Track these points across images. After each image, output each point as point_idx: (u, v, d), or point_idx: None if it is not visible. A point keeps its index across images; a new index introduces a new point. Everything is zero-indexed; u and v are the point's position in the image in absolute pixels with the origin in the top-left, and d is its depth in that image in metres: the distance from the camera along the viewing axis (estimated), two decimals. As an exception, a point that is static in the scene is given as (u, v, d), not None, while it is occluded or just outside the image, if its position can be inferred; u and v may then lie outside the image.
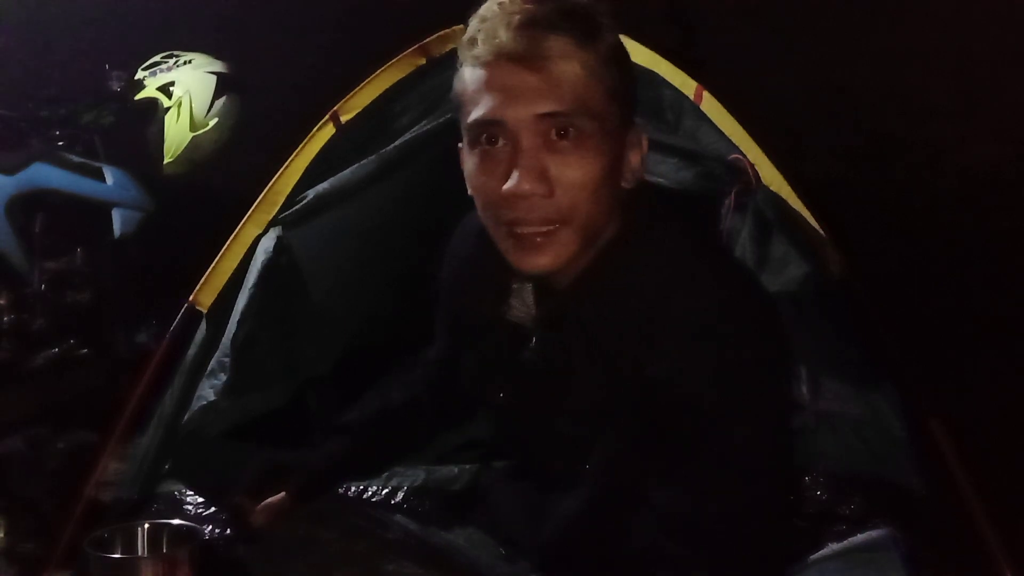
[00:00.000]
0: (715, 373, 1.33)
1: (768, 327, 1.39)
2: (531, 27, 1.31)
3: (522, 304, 1.52)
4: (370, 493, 2.11)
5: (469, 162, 1.40)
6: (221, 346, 2.30)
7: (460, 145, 1.44)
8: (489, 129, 1.35)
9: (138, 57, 3.46)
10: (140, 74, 3.41)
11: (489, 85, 1.34)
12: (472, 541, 1.65)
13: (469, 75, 1.37)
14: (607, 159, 1.36)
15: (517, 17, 1.32)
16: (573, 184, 1.33)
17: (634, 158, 1.41)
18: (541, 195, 1.33)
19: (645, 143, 1.43)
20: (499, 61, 1.32)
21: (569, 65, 1.32)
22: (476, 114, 1.35)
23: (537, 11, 1.32)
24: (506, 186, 1.33)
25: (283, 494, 1.63)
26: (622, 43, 1.41)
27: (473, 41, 1.35)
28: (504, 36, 1.31)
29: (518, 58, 1.31)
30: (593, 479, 1.45)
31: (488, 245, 1.45)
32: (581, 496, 1.46)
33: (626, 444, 1.40)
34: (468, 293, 1.60)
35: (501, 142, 1.35)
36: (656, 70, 2.37)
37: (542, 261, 1.37)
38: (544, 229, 1.35)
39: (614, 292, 1.40)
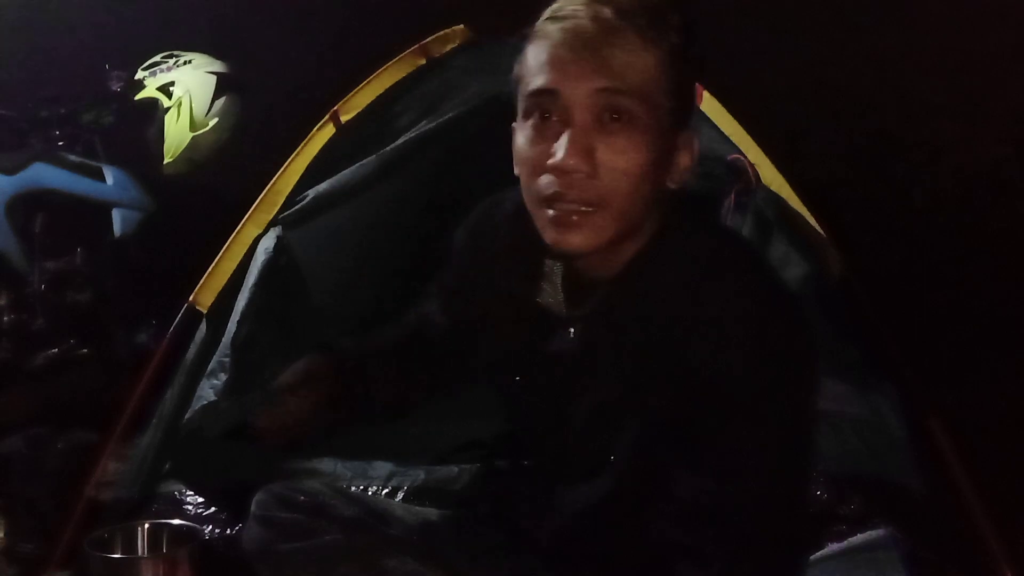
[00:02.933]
0: (753, 366, 1.35)
1: (800, 321, 1.42)
2: (606, 14, 1.35)
3: (552, 288, 1.51)
4: (371, 493, 2.12)
5: (520, 135, 1.41)
6: (221, 346, 2.31)
7: (513, 125, 1.45)
8: (544, 101, 1.37)
9: (138, 57, 3.46)
10: (140, 74, 3.41)
11: (552, 59, 1.36)
12: (475, 539, 1.65)
13: (533, 51, 1.39)
14: (655, 153, 1.37)
15: (594, 4, 1.36)
16: (617, 168, 1.35)
17: (683, 160, 1.43)
18: (584, 173, 1.34)
19: (696, 147, 1.45)
20: (567, 40, 1.35)
21: (633, 54, 1.35)
22: (534, 84, 1.37)
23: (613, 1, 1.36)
24: (552, 159, 1.35)
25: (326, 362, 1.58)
26: (693, 48, 1.43)
27: (551, 19, 1.38)
28: (578, 18, 1.35)
29: (586, 41, 1.34)
30: (614, 469, 1.45)
31: (521, 222, 1.46)
32: (598, 487, 1.46)
33: (650, 436, 1.41)
34: (493, 266, 1.58)
35: (554, 117, 1.36)
36: (656, 70, 2.37)
37: (575, 240, 1.38)
38: (582, 209, 1.36)
39: (658, 287, 1.42)
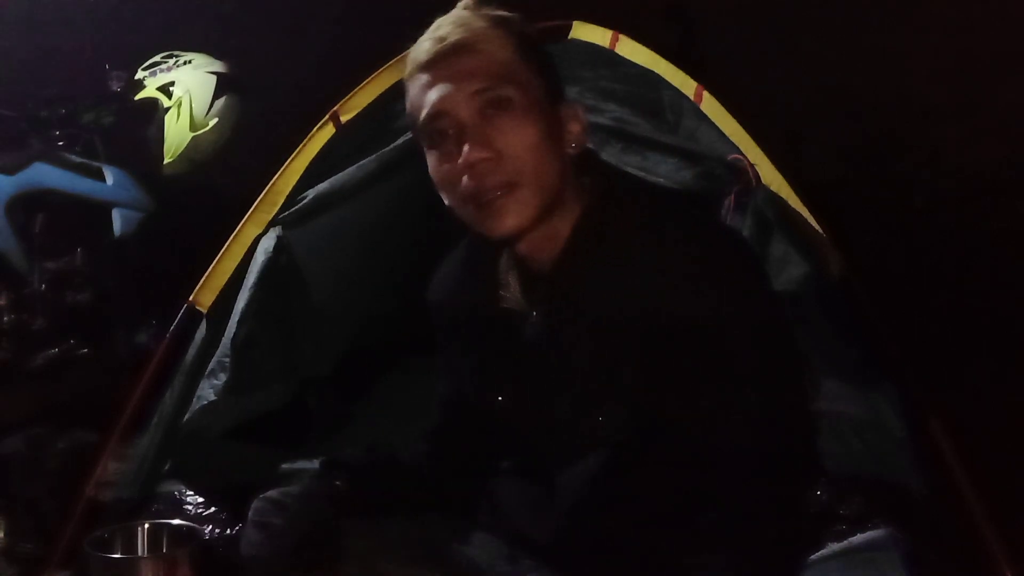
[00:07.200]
0: (716, 305, 1.45)
1: (750, 255, 1.59)
2: (457, 25, 1.51)
3: (511, 290, 1.62)
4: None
5: (430, 163, 1.55)
6: (221, 346, 2.31)
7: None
8: (437, 123, 1.50)
9: (138, 57, 3.46)
10: (140, 74, 3.41)
11: (428, 84, 1.51)
12: (474, 540, 1.65)
13: (412, 87, 1.54)
14: (542, 124, 1.51)
15: (445, 24, 1.53)
16: (516, 147, 1.49)
17: (573, 128, 1.56)
18: (489, 159, 1.48)
19: (582, 115, 1.58)
20: (434, 61, 1.51)
21: (492, 48, 1.50)
22: (423, 114, 1.52)
23: (461, 13, 1.54)
24: (460, 160, 1.49)
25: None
26: (538, 41, 1.59)
27: (411, 59, 1.54)
28: (435, 37, 1.51)
29: (448, 52, 1.50)
30: (606, 445, 1.50)
31: (467, 254, 1.66)
32: (593, 467, 1.51)
33: (634, 400, 1.48)
34: (459, 300, 1.69)
35: (450, 132, 1.50)
36: (656, 70, 2.38)
37: (509, 222, 1.50)
38: (500, 192, 1.49)
39: (599, 253, 1.53)
